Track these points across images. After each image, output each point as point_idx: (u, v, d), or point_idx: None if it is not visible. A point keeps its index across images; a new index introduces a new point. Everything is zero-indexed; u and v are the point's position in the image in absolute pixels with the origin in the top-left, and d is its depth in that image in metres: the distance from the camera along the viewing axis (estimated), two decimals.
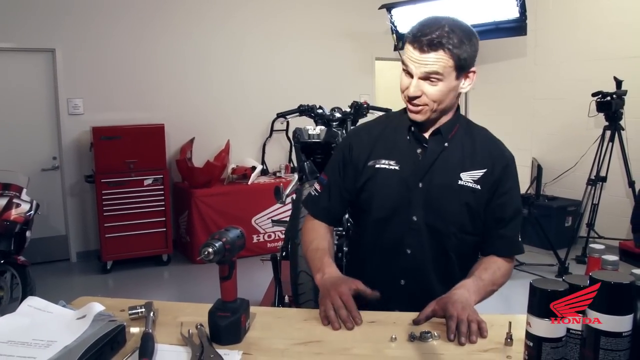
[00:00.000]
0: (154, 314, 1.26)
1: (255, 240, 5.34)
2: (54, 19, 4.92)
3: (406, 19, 5.60)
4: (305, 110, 3.48)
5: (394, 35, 5.75)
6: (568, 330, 0.92)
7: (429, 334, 1.16)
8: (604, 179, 4.91)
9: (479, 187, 1.44)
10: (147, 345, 1.07)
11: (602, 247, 1.04)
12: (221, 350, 1.10)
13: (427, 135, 1.49)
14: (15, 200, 3.44)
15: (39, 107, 5.03)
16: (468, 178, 1.45)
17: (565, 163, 5.51)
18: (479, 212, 1.46)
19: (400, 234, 1.46)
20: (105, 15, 5.14)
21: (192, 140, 5.56)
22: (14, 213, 3.40)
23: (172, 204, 5.36)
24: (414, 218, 1.45)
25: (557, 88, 5.63)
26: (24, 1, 4.80)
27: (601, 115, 4.83)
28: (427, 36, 1.33)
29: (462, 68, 1.38)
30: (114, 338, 1.09)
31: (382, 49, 6.19)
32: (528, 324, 0.93)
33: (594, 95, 4.74)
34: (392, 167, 1.48)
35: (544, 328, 0.90)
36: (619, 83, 4.67)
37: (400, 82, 1.43)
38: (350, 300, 1.28)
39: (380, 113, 2.56)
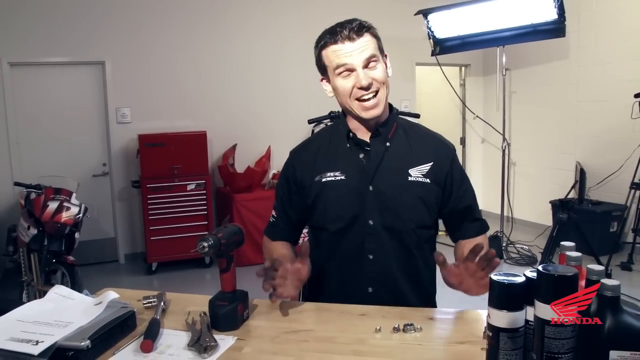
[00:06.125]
0: (164, 303, 1.39)
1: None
2: (103, 33, 5.24)
3: (442, 24, 5.62)
4: (335, 116, 3.57)
5: (431, 40, 5.77)
6: (527, 322, 0.97)
7: (412, 326, 1.23)
8: None
9: (428, 180, 1.47)
10: (152, 329, 1.20)
11: (572, 244, 1.08)
12: (218, 336, 1.21)
13: (367, 139, 1.50)
14: (65, 204, 3.69)
15: (90, 116, 5.35)
16: (417, 173, 1.47)
17: (610, 166, 5.36)
18: (432, 205, 1.49)
19: (359, 241, 1.47)
20: (150, 29, 5.43)
21: (234, 147, 5.75)
22: (64, 216, 3.64)
23: (214, 208, 5.57)
24: (370, 222, 1.46)
25: (601, 90, 5.48)
26: (76, 19, 5.14)
27: None
28: (348, 27, 1.40)
29: (382, 50, 1.46)
30: (125, 322, 1.23)
31: (422, 54, 6.19)
32: (488, 315, 0.99)
33: (636, 96, 4.62)
34: (339, 178, 1.48)
35: (501, 319, 0.96)
36: None
37: (340, 88, 1.44)
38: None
39: (410, 119, 2.61)
